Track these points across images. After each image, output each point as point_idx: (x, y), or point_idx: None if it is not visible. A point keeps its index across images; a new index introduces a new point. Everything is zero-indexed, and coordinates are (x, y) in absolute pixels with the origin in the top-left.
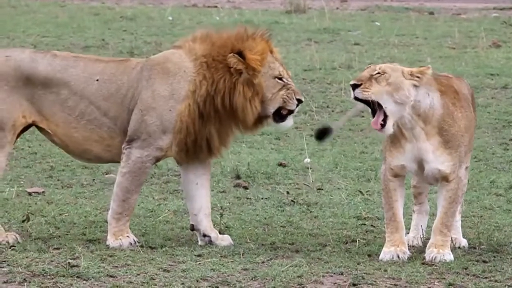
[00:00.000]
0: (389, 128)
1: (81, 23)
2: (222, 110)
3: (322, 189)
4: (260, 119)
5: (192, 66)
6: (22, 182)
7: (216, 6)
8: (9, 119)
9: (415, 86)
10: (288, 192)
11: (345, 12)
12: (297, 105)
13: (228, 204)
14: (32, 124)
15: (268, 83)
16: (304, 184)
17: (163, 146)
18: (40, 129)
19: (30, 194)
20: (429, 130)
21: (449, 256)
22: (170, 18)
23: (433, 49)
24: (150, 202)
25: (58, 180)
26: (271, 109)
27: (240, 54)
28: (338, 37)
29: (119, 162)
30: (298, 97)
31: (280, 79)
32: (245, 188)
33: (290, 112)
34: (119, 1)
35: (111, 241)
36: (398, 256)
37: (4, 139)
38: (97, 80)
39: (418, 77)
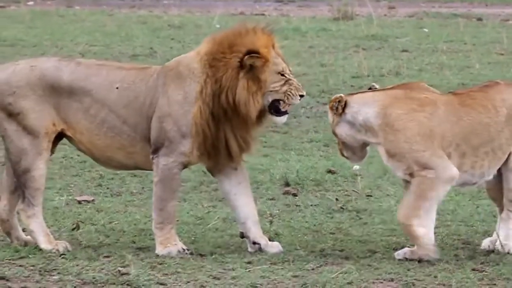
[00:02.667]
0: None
1: (129, 31)
2: (228, 108)
3: (371, 196)
4: (261, 114)
5: (198, 66)
6: (71, 190)
7: (263, 14)
8: (41, 127)
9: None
10: (337, 199)
11: (393, 18)
12: (299, 100)
13: (277, 211)
14: (61, 132)
15: (272, 78)
16: (353, 190)
17: (185, 151)
18: (68, 137)
19: (79, 202)
20: (378, 140)
21: None
22: (218, 26)
23: (482, 55)
24: (199, 209)
25: (108, 188)
26: (269, 100)
27: (253, 52)
28: (386, 43)
29: (144, 169)
30: (300, 93)
31: (283, 74)
32: (294, 195)
33: (286, 112)
34: (167, 10)
35: (159, 249)
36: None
37: (40, 146)
38: (117, 88)
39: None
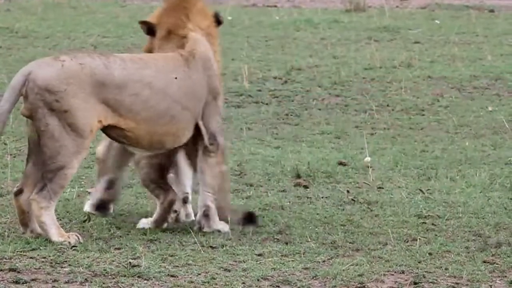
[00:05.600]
0: None
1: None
2: None
3: (383, 188)
4: None
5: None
6: (83, 182)
7: (275, 6)
8: (87, 125)
9: None
10: (348, 191)
11: (405, 10)
12: None
13: (288, 203)
14: (103, 128)
15: None
16: (365, 182)
17: None
18: (112, 130)
19: (91, 194)
20: None
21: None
22: (230, 17)
23: (494, 47)
24: None
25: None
26: None
27: None
28: (398, 35)
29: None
30: None
31: None
32: (305, 187)
33: None
34: None
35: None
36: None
37: (81, 145)
38: (176, 78)
39: None
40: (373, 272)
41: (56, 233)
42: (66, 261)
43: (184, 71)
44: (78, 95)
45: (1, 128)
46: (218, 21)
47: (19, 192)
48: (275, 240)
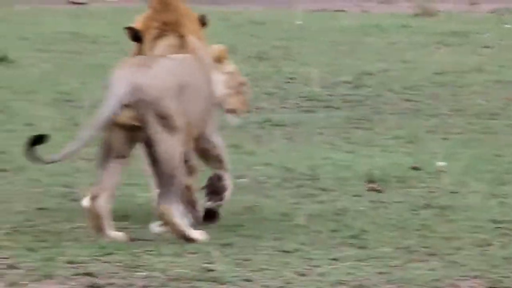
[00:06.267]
0: None
1: (209, 28)
2: None
3: (456, 192)
4: None
5: None
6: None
7: (344, 10)
8: (183, 127)
9: None
10: (422, 196)
11: (474, 14)
12: None
13: (362, 208)
14: None
15: None
16: (438, 187)
17: None
18: None
19: None
20: None
21: None
22: (299, 22)
23: None
24: (283, 206)
25: None
26: None
27: None
28: (467, 40)
29: None
30: None
31: None
32: (379, 191)
33: None
34: (248, 6)
35: None
36: None
37: (181, 146)
38: None
39: None
40: (448, 277)
41: (195, 232)
42: (141, 266)
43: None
44: (177, 98)
45: (97, 134)
46: (203, 24)
47: (95, 197)
48: (350, 244)
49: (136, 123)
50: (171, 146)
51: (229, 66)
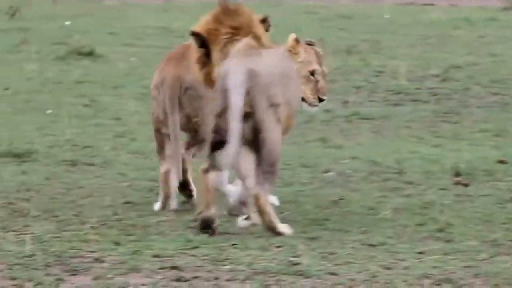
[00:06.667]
0: None
1: (297, 22)
2: None
3: None
4: None
5: None
6: None
7: (433, 4)
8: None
9: None
10: (508, 189)
11: None
12: None
13: (448, 201)
14: None
15: None
16: None
17: None
18: None
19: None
20: None
21: None
22: (388, 16)
23: None
24: (370, 199)
25: (280, 178)
26: None
27: None
28: None
29: None
30: None
31: None
32: (465, 185)
33: None
34: (336, 0)
35: None
36: None
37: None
38: None
39: None
40: None
41: (283, 226)
42: (227, 259)
43: None
44: (281, 88)
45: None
46: (265, 25)
47: (207, 170)
48: (436, 238)
49: (248, 110)
50: (277, 135)
51: (301, 54)
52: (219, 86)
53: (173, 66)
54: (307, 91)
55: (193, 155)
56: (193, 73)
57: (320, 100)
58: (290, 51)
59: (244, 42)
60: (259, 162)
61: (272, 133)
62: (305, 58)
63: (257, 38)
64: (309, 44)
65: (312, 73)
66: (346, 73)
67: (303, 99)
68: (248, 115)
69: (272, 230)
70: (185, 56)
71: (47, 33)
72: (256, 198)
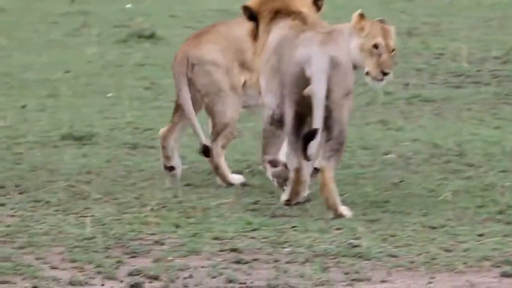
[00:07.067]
0: None
1: (358, 4)
2: None
3: None
4: None
5: None
6: None
7: None
8: None
9: None
10: None
11: None
12: None
13: (509, 183)
14: None
15: None
16: None
17: None
18: None
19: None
20: None
21: None
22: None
23: None
24: (430, 182)
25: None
26: None
27: None
28: None
29: None
30: None
31: None
32: None
33: None
34: None
35: None
36: None
37: None
38: None
39: None
40: None
41: (345, 209)
42: (286, 242)
43: None
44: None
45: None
46: (317, 6)
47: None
48: (496, 220)
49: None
50: (348, 117)
51: (366, 29)
52: (296, 73)
53: (186, 44)
54: (370, 65)
55: (222, 146)
56: (201, 50)
57: (384, 74)
58: (354, 28)
59: (290, 24)
60: (329, 138)
61: (345, 116)
62: (369, 32)
63: (302, 18)
64: (380, 21)
65: (376, 46)
66: (407, 56)
67: (367, 73)
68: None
69: (332, 208)
70: (201, 34)
71: (107, 16)
72: (322, 172)
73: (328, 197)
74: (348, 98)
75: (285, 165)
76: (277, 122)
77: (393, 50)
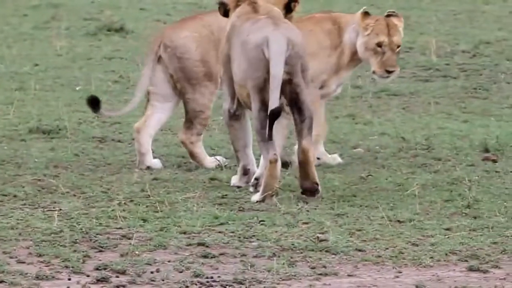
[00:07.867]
0: None
1: None
2: None
3: None
4: None
5: None
6: None
7: None
8: None
9: None
10: None
11: None
12: None
13: (476, 177)
14: None
15: None
16: None
17: None
18: None
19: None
20: None
21: None
22: None
23: None
24: (398, 176)
25: None
26: None
27: None
28: None
29: None
30: None
31: None
32: (494, 161)
33: None
34: None
35: None
36: None
37: None
38: None
39: None
40: None
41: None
42: (254, 236)
43: None
44: None
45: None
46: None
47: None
48: (463, 214)
49: (287, 77)
50: (310, 94)
51: (369, 27)
52: (255, 57)
53: (170, 25)
54: (375, 64)
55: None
56: (177, 34)
57: (388, 72)
58: (359, 26)
59: (238, 12)
60: (302, 120)
61: (307, 92)
62: (372, 31)
63: (254, 7)
64: (389, 15)
65: (379, 45)
66: None
67: (373, 72)
68: (284, 82)
69: (314, 182)
70: (185, 20)
71: (77, 9)
72: (306, 151)
73: (309, 171)
74: (307, 77)
75: (256, 178)
76: (234, 115)
77: (399, 46)
